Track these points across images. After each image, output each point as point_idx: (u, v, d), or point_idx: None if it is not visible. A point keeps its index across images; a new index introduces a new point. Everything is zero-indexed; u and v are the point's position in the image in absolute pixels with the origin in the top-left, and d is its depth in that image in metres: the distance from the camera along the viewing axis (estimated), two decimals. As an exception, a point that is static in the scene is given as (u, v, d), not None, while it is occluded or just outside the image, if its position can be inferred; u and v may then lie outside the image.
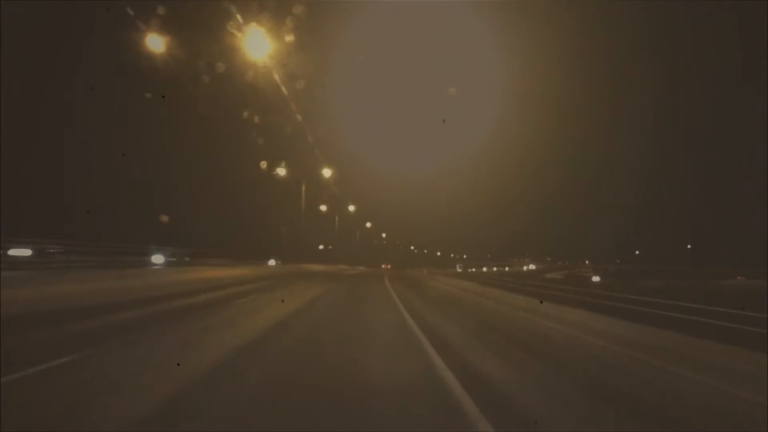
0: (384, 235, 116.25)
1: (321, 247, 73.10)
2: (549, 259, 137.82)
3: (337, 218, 61.53)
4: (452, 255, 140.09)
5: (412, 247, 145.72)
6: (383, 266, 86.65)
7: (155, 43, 17.50)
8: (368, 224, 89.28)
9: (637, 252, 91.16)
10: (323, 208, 61.82)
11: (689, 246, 76.89)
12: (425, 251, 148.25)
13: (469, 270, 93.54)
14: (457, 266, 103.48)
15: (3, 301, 9.40)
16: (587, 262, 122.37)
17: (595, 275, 69.84)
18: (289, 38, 20.93)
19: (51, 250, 21.01)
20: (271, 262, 41.42)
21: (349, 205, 64.06)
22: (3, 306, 9.22)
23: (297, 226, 41.88)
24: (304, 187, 37.11)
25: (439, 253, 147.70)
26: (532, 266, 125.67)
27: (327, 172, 39.50)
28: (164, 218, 30.33)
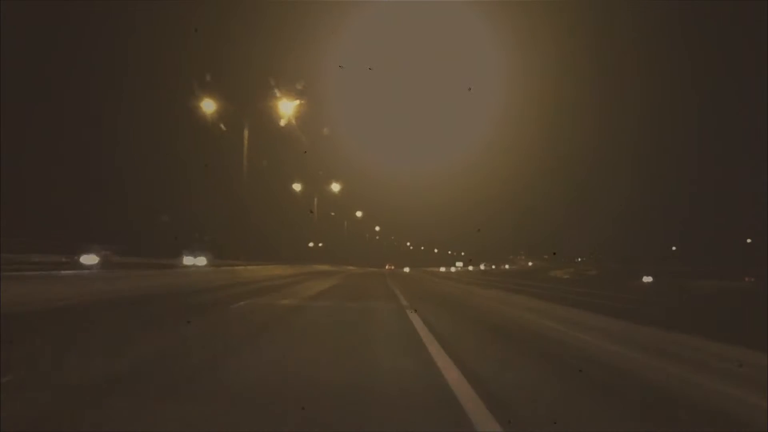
0: (378, 228, 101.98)
1: (311, 244, 58.68)
2: (546, 256, 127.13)
3: (316, 200, 46.83)
4: (449, 252, 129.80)
5: (408, 244, 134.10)
6: (387, 267, 72.32)
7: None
8: (359, 213, 74.77)
9: (674, 248, 77.52)
10: (297, 187, 47.01)
11: (749, 240, 63.26)
12: (422, 248, 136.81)
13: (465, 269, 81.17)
14: (458, 263, 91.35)
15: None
16: (579, 259, 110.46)
17: (647, 276, 57.42)
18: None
19: None
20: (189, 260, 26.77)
21: (332, 184, 49.25)
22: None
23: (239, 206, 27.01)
24: (246, 132, 22.30)
25: (436, 250, 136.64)
26: (529, 263, 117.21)
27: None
28: None
